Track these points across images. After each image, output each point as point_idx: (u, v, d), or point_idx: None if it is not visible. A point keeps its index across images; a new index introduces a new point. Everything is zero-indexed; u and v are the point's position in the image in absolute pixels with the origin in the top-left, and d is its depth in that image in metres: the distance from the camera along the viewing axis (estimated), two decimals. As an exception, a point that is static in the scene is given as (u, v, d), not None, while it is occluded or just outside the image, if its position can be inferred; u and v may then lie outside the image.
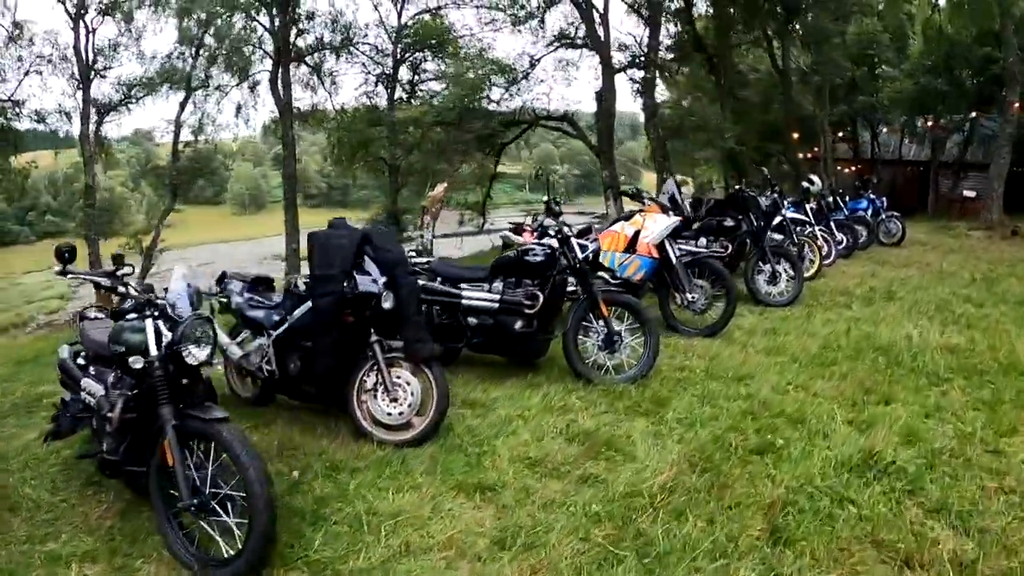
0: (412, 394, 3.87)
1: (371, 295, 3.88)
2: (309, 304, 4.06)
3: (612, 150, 19.29)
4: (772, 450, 3.45)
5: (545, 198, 5.27)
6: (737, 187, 8.58)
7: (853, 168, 24.83)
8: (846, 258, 10.48)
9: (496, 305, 5.07)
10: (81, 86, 20.52)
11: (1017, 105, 14.65)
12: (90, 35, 20.52)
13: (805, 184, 10.91)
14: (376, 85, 22.82)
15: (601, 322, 4.83)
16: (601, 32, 16.35)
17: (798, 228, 9.29)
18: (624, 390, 4.50)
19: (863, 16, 21.57)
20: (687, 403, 4.26)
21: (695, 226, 7.60)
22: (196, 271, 3.66)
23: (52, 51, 20.37)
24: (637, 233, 6.09)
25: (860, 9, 19.56)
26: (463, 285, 5.30)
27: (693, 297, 6.07)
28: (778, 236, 8.66)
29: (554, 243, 4.95)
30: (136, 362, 2.71)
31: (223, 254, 42.03)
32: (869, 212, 12.34)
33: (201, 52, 21.37)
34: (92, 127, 20.92)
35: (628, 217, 6.38)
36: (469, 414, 4.28)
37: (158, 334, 2.77)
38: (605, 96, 17.06)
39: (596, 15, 16.21)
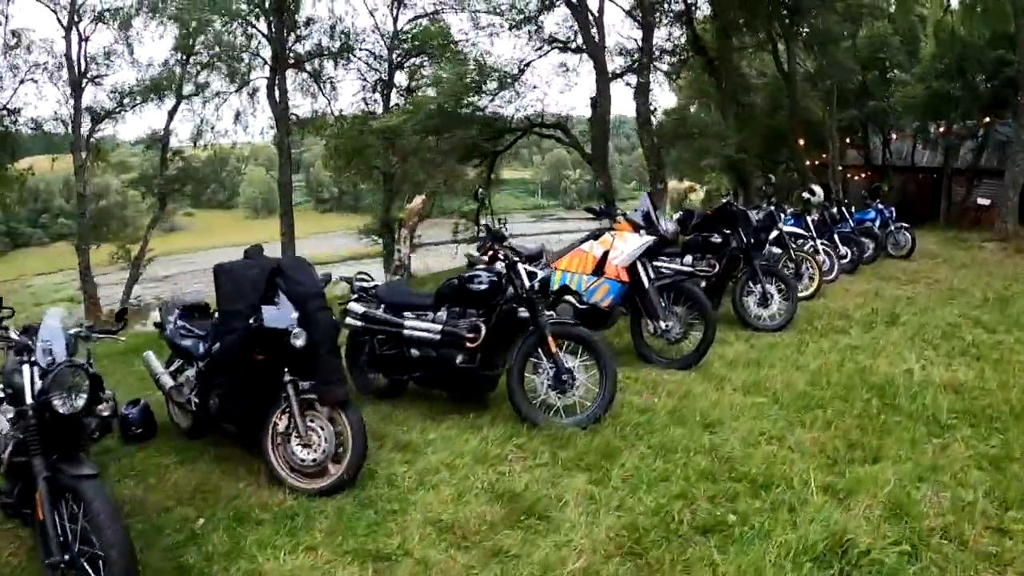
0: (326, 439, 3.55)
1: (280, 332, 3.51)
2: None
3: (606, 158, 18.73)
4: (722, 528, 2.86)
5: (485, 220, 4.75)
6: (725, 200, 7.97)
7: (863, 175, 24.10)
8: (851, 273, 9.83)
9: (437, 337, 4.56)
10: (74, 94, 20.30)
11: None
12: (83, 43, 20.31)
13: (806, 195, 10.32)
14: (373, 91, 22.47)
15: (550, 359, 4.25)
16: (595, 34, 15.79)
17: (798, 242, 8.72)
18: (571, 437, 3.94)
19: (873, 19, 20.95)
20: (638, 457, 3.67)
21: (685, 239, 7.06)
22: (70, 316, 3.31)
23: (48, 59, 20.22)
24: (606, 254, 5.52)
25: (870, 11, 18.90)
26: (407, 314, 4.81)
27: (667, 325, 5.48)
28: (777, 250, 8.08)
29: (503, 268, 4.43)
30: (6, 412, 2.69)
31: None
32: (876, 223, 11.66)
33: (193, 59, 21.03)
34: (85, 134, 20.69)
35: (597, 236, 5.81)
36: (397, 459, 3.89)
37: (32, 381, 2.63)
38: (599, 102, 16.53)
39: (591, 18, 15.65)
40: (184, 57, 20.65)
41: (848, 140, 23.26)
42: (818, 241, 9.25)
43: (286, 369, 3.55)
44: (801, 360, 5.56)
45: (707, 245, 7.04)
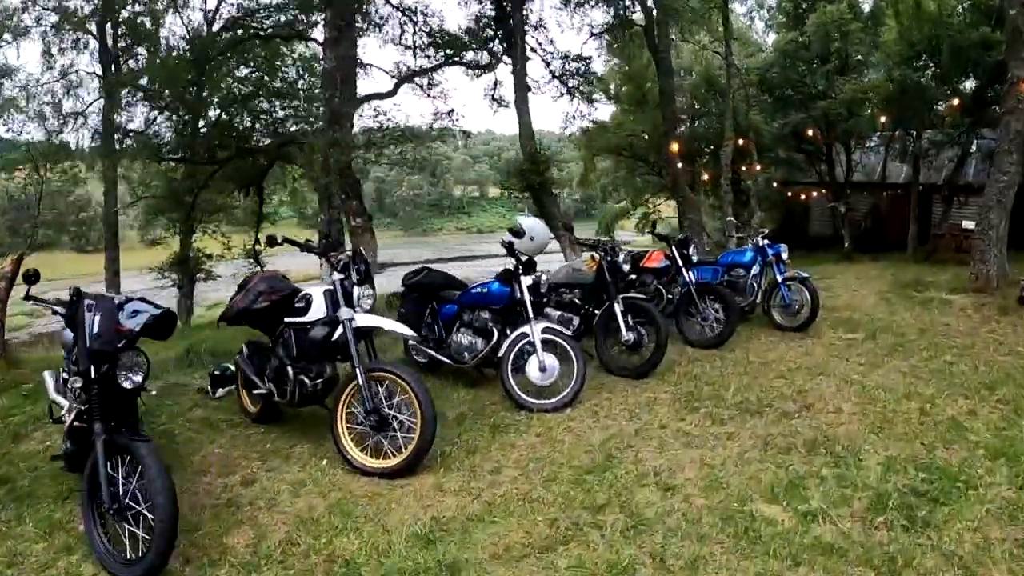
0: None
1: None
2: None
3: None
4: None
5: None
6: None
7: (817, 193, 19.44)
8: (642, 376, 5.17)
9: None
10: None
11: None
12: None
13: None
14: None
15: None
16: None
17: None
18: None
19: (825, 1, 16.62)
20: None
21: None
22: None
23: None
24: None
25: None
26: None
27: None
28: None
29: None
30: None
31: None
32: (752, 270, 7.05)
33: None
34: None
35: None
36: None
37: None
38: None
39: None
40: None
41: (801, 150, 18.75)
42: (617, 302, 4.63)
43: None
44: None
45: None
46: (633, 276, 6.54)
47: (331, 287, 4.10)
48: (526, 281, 4.99)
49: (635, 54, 17.01)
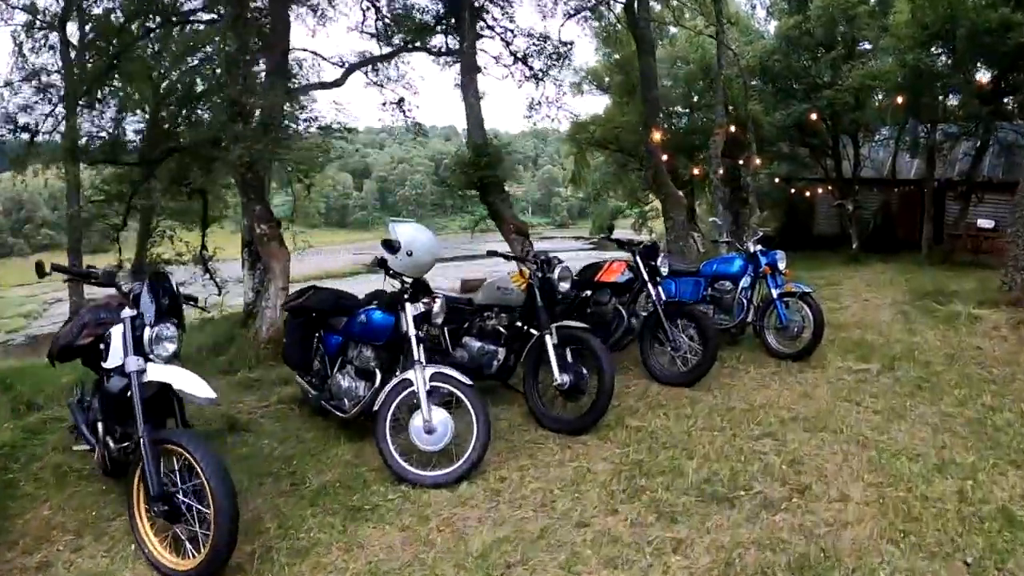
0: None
1: None
2: None
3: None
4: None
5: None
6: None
7: (823, 190, 18.09)
8: (579, 433, 3.93)
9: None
10: None
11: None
12: None
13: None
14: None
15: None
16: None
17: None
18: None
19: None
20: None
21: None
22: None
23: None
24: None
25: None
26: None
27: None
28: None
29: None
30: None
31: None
32: (742, 284, 5.76)
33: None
34: None
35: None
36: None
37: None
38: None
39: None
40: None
41: (806, 145, 17.39)
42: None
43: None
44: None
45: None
46: (588, 293, 5.26)
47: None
48: (411, 311, 3.71)
49: (624, 40, 15.72)
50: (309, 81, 10.59)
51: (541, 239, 64.61)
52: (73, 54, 12.56)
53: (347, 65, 10.26)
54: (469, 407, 3.50)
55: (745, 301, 5.81)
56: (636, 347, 5.25)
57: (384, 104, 10.34)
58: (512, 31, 9.25)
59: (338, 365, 4.14)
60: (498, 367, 4.53)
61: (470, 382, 3.57)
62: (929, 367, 5.25)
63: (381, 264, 3.83)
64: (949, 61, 14.00)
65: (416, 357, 3.57)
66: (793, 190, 18.26)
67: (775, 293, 5.72)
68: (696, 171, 16.95)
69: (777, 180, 18.49)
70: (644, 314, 5.29)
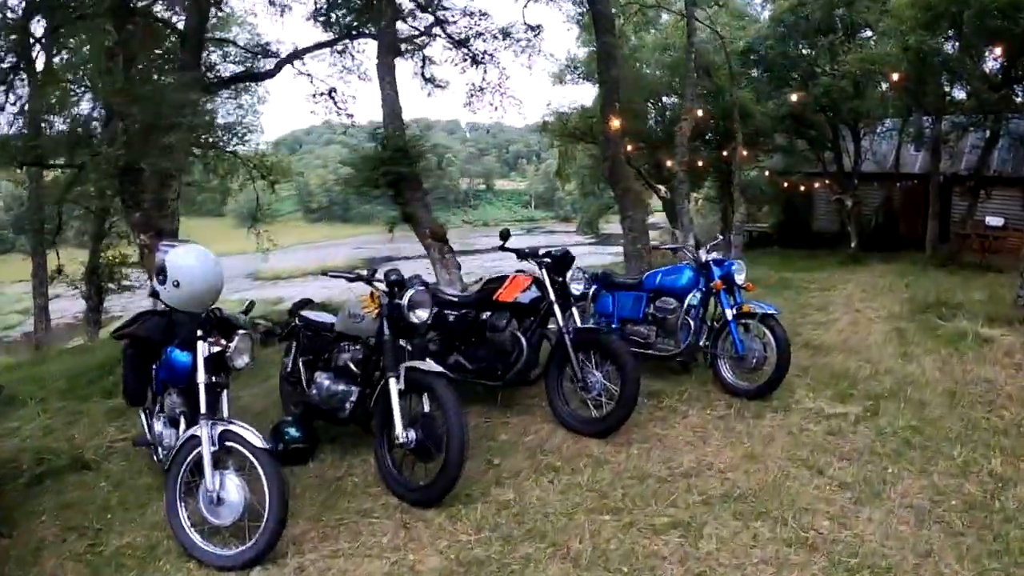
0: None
1: None
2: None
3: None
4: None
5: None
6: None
7: (821, 185, 16.90)
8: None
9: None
10: None
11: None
12: None
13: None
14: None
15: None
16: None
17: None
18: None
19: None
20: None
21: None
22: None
23: None
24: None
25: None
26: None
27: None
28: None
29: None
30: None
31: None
32: (690, 300, 4.66)
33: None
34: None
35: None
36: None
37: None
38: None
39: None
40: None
41: (803, 136, 16.18)
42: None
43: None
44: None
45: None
46: (488, 314, 4.16)
47: None
48: (202, 350, 2.75)
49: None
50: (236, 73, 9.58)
51: (543, 233, 63.66)
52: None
53: (280, 57, 9.24)
54: (263, 477, 2.65)
55: (692, 322, 4.68)
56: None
57: (314, 96, 9.28)
58: (450, 10, 8.15)
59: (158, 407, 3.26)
60: (350, 410, 3.51)
61: (265, 445, 2.71)
62: (924, 411, 4.11)
63: (153, 295, 3.00)
64: (955, 45, 12.83)
65: (202, 410, 2.78)
66: (786, 184, 17.08)
67: (729, 314, 4.59)
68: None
69: (767, 173, 17.33)
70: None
